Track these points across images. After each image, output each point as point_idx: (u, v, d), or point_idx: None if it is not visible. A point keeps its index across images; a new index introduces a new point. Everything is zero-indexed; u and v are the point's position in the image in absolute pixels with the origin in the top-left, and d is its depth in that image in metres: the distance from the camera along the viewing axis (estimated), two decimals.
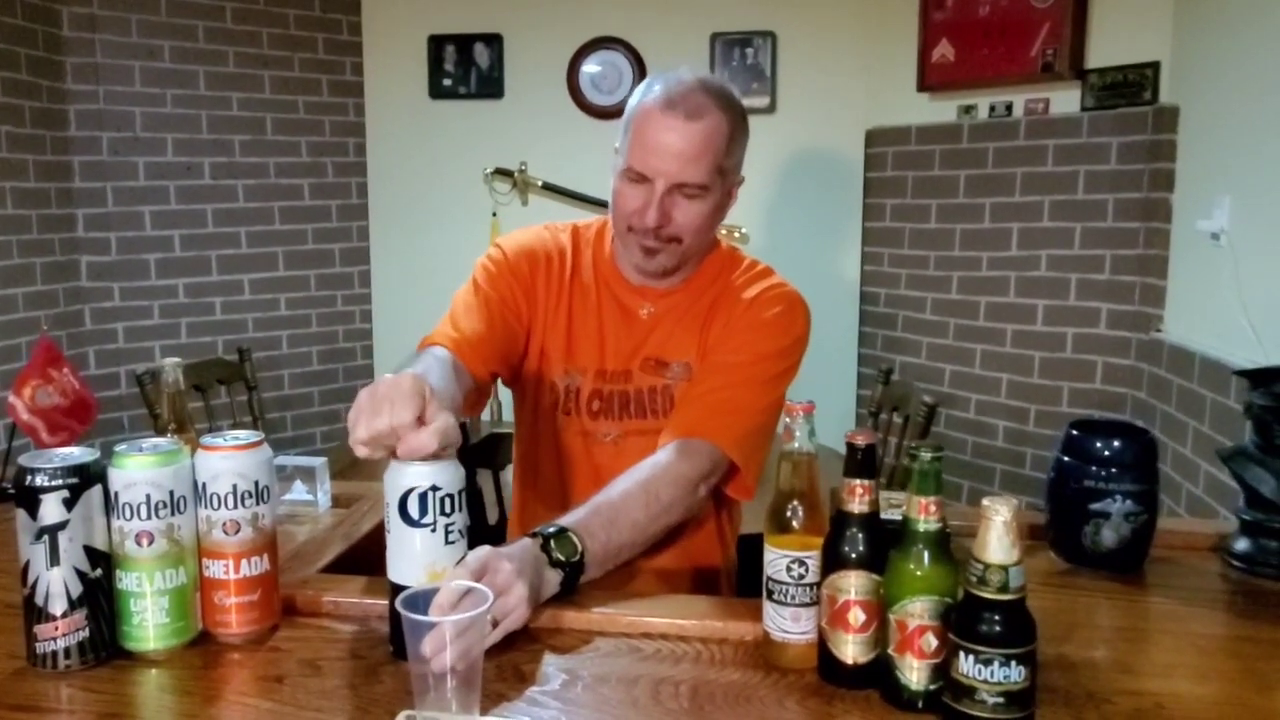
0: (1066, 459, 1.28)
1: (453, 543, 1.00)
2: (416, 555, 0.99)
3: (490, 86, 3.82)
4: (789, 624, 1.00)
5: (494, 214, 3.84)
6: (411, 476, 0.99)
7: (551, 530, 1.15)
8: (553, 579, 1.11)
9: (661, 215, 1.36)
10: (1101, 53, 3.06)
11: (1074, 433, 1.29)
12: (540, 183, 3.80)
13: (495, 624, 1.00)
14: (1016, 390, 3.32)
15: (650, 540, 1.28)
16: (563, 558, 1.12)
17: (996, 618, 0.86)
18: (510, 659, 1.02)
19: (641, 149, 1.36)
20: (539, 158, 3.81)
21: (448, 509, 0.99)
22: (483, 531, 1.71)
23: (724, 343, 1.44)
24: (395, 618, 0.96)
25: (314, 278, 3.87)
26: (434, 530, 0.99)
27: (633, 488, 1.27)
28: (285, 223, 3.78)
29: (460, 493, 1.01)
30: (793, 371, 1.46)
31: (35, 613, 0.98)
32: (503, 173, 3.83)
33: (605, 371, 1.48)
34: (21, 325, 3.10)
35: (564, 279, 1.50)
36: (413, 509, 0.99)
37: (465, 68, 3.83)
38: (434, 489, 0.99)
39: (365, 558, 1.29)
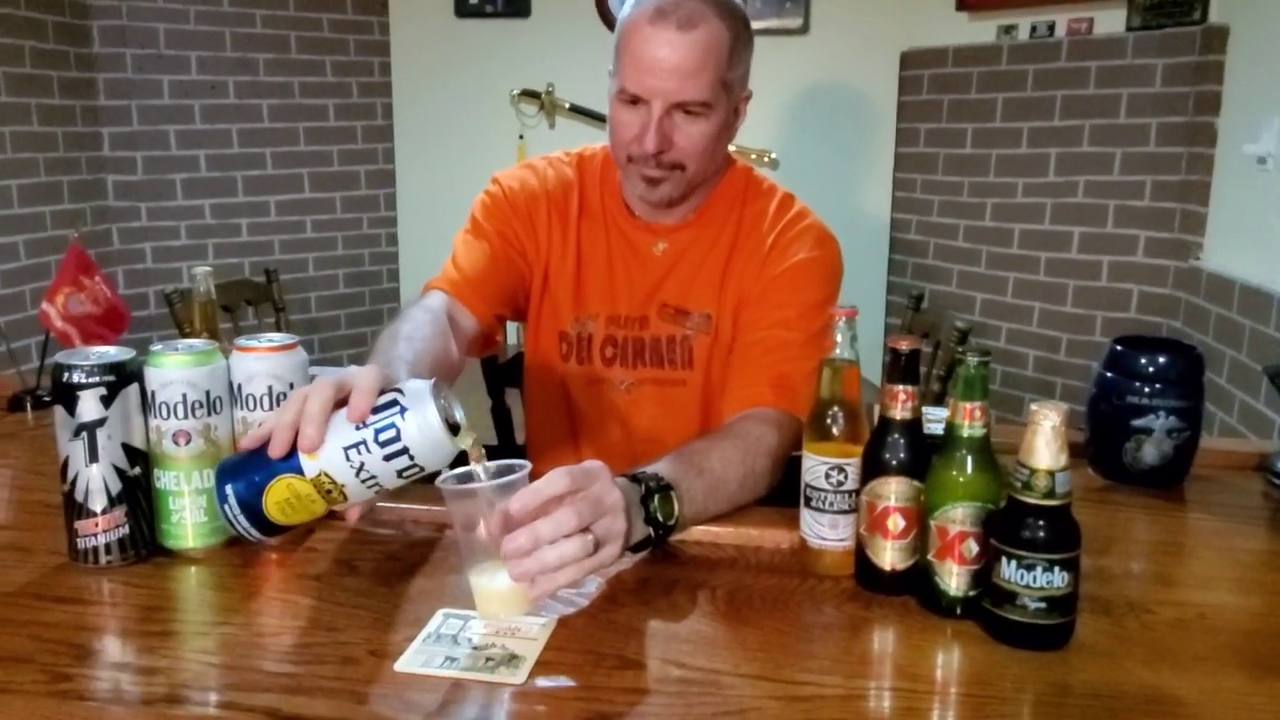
0: (1109, 375, 1.25)
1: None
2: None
3: (517, 5, 3.74)
4: (826, 530, 0.99)
5: (521, 136, 3.78)
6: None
7: (654, 484, 1.01)
8: (639, 533, 0.99)
9: (661, 139, 1.25)
10: None
11: (1118, 348, 1.26)
12: (568, 105, 3.74)
13: (598, 546, 0.90)
14: (1049, 319, 3.27)
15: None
16: (660, 518, 1.01)
17: (1041, 523, 0.85)
18: None
19: (634, 67, 1.24)
20: (567, 79, 3.73)
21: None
22: (511, 451, 1.71)
23: (765, 296, 1.34)
24: None
25: (340, 200, 3.84)
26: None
27: (732, 458, 1.13)
28: (310, 144, 3.74)
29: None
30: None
31: (75, 509, 0.99)
32: (530, 94, 3.77)
33: (619, 316, 1.41)
34: (50, 244, 3.11)
35: (569, 218, 1.41)
36: None
37: None
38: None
39: None
